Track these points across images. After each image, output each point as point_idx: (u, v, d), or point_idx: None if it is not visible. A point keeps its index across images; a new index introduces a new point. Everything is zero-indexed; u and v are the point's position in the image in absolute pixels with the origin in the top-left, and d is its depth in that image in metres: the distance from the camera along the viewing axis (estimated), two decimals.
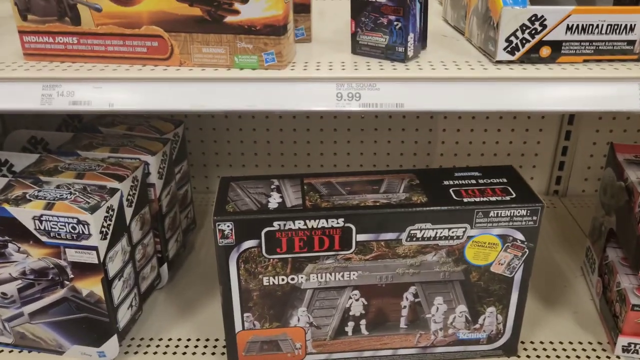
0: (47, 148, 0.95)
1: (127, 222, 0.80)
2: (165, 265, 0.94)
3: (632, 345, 0.81)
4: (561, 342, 0.85)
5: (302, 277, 0.73)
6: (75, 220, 0.71)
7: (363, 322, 0.78)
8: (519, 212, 0.72)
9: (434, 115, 1.18)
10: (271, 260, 0.72)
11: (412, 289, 0.76)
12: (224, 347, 0.84)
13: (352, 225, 0.70)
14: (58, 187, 0.77)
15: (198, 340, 0.86)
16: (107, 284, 0.75)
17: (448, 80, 0.62)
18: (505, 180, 0.77)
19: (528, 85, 0.63)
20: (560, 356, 0.82)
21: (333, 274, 0.74)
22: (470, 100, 0.62)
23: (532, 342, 0.85)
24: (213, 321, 0.88)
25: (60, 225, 0.72)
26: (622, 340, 0.81)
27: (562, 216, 1.18)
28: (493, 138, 1.20)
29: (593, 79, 0.62)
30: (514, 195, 0.73)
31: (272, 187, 0.76)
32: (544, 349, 0.84)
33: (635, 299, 0.79)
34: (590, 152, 1.20)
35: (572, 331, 0.87)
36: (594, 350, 0.83)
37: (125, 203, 0.79)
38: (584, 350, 0.83)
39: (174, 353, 0.83)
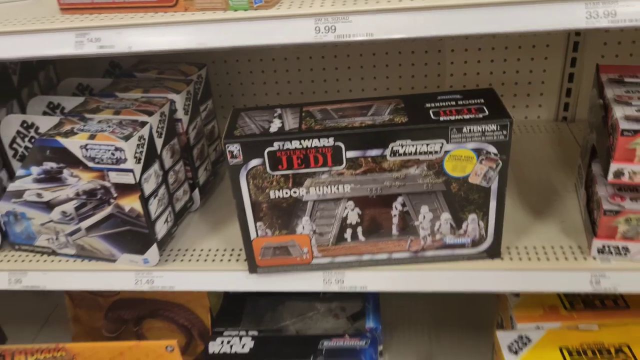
0: (92, 93, 1.10)
1: (158, 150, 0.95)
2: (197, 191, 1.09)
3: (606, 247, 0.89)
4: (544, 247, 0.94)
5: (302, 191, 0.86)
6: (113, 148, 0.86)
7: (359, 229, 0.90)
8: (489, 128, 0.81)
9: (441, 49, 1.25)
10: (275, 176, 0.84)
11: (399, 199, 0.87)
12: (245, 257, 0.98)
13: (341, 144, 0.82)
14: (99, 122, 0.92)
15: (225, 250, 1.01)
16: (144, 201, 0.91)
17: (417, 10, 0.71)
18: (482, 101, 0.85)
19: (491, 9, 0.71)
20: (541, 258, 0.92)
21: (329, 187, 0.86)
22: (436, 25, 0.71)
23: (516, 247, 0.95)
24: (237, 235, 1.02)
25: (102, 152, 0.87)
26: (597, 243, 0.89)
27: (567, 141, 1.25)
28: (500, 68, 1.27)
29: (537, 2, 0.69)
30: (487, 113, 0.82)
31: (275, 115, 0.88)
32: (527, 253, 0.93)
33: (608, 205, 0.87)
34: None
35: (556, 237, 0.96)
36: (572, 253, 0.92)
37: (155, 134, 0.93)
38: (563, 253, 0.93)
39: (205, 260, 0.99)
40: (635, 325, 1.01)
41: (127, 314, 1.23)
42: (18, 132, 0.97)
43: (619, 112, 0.84)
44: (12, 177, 1.03)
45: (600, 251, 0.90)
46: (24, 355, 1.06)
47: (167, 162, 0.98)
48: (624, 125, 0.81)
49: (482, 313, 1.46)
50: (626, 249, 0.88)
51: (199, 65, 1.10)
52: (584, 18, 0.70)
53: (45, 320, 1.54)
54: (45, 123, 0.95)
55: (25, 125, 0.96)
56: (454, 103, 0.85)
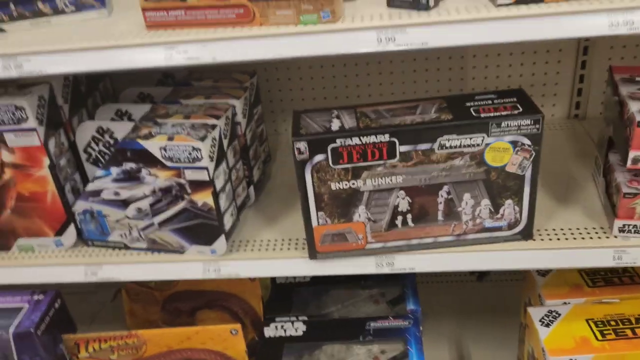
0: (152, 101, 1.20)
1: (225, 150, 1.05)
2: (252, 187, 1.19)
3: (626, 227, 1.00)
4: (570, 229, 1.06)
5: (360, 182, 0.97)
6: (191, 148, 0.97)
7: (409, 216, 1.01)
8: (524, 122, 0.92)
9: (464, 55, 1.38)
10: (336, 169, 0.95)
11: (445, 188, 0.98)
12: (303, 244, 1.09)
13: (395, 139, 0.93)
14: (173, 125, 1.02)
15: (283, 240, 1.11)
16: (216, 195, 1.01)
17: (460, 22, 0.83)
18: (515, 100, 0.97)
19: (522, 21, 0.83)
20: (569, 238, 1.03)
21: (383, 178, 0.97)
22: (476, 36, 0.82)
23: (545, 229, 1.06)
24: (292, 227, 1.13)
25: (180, 152, 0.97)
26: (618, 223, 1.01)
27: (580, 136, 1.37)
28: (517, 72, 1.39)
29: (572, 13, 0.81)
30: (521, 109, 0.94)
31: (332, 115, 0.99)
32: (555, 234, 1.05)
33: (627, 189, 0.98)
34: (604, 78, 1.37)
35: (580, 220, 1.08)
36: (596, 233, 1.04)
37: (222, 136, 1.04)
38: (588, 233, 1.04)
39: (266, 249, 1.09)
40: None
41: (184, 306, 1.33)
42: (93, 138, 1.07)
43: (634, 106, 0.96)
44: (84, 179, 1.13)
45: (621, 230, 1.01)
46: (97, 342, 1.16)
47: (231, 161, 1.09)
48: (639, 118, 0.93)
49: (506, 300, 1.58)
50: None
51: (251, 73, 1.21)
52: (606, 26, 0.82)
53: (91, 320, 1.64)
54: (119, 128, 1.05)
55: (100, 130, 1.06)
56: (490, 102, 0.97)
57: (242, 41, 0.86)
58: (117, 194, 1.06)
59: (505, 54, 1.37)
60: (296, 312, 1.28)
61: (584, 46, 1.35)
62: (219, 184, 1.02)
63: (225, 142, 1.05)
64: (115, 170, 1.04)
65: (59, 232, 1.12)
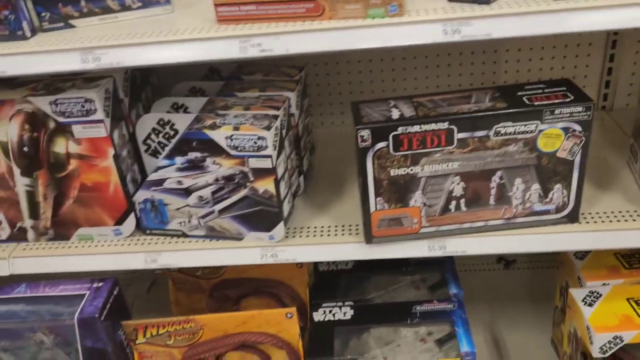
0: (204, 94, 1.24)
1: (284, 140, 1.10)
2: (302, 177, 1.24)
3: None
4: (612, 212, 1.11)
5: (418, 168, 1.02)
6: (256, 137, 1.01)
7: (462, 200, 1.06)
8: (576, 109, 0.97)
9: (497, 49, 1.43)
10: (396, 156, 1.00)
11: (498, 173, 1.03)
12: (356, 229, 1.13)
13: (454, 127, 0.98)
14: (236, 116, 1.07)
15: (336, 226, 1.15)
16: (277, 183, 1.06)
17: (521, 14, 0.87)
18: (564, 89, 1.02)
19: (566, 14, 0.87)
20: (612, 220, 1.09)
21: (440, 164, 1.01)
22: (533, 27, 0.87)
23: (589, 213, 1.11)
24: (343, 214, 1.18)
25: (245, 141, 1.02)
26: None
27: (609, 126, 1.42)
28: (548, 65, 1.44)
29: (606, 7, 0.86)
30: (572, 97, 0.99)
31: (390, 105, 1.04)
32: (599, 217, 1.10)
33: None
34: (632, 71, 1.43)
35: (620, 205, 1.13)
36: (638, 215, 1.09)
37: (282, 126, 1.08)
38: (630, 216, 1.09)
39: (321, 235, 1.13)
40: None
41: (232, 293, 1.37)
42: (153, 129, 1.11)
43: None
44: (142, 170, 1.17)
45: None
46: (156, 328, 1.20)
47: (287, 150, 1.13)
48: None
49: (534, 286, 1.64)
50: None
51: (299, 67, 1.25)
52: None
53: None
54: (180, 120, 1.09)
55: (161, 122, 1.10)
56: (540, 91, 1.02)
57: (312, 34, 0.90)
58: (180, 182, 1.10)
59: (537, 48, 1.42)
60: (340, 298, 1.33)
61: (613, 40, 1.41)
62: (280, 171, 1.06)
63: (284, 132, 1.10)
64: (179, 160, 1.08)
65: (119, 221, 1.16)
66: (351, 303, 1.29)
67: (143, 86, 1.26)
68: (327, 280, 1.39)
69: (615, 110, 1.49)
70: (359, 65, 1.46)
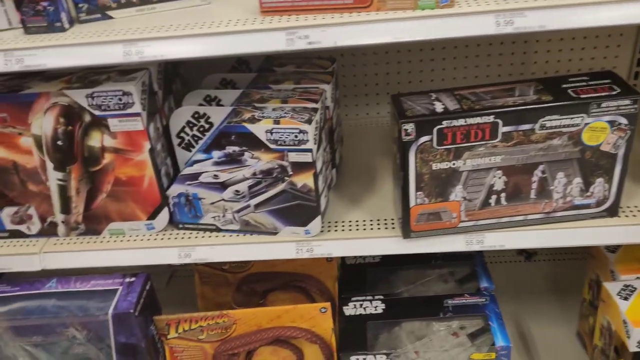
0: (235, 86, 1.22)
1: (322, 133, 1.08)
2: (335, 169, 1.22)
3: None
4: None
5: (460, 162, 1.00)
6: (297, 131, 0.99)
7: (503, 195, 1.05)
8: (623, 103, 0.96)
9: (528, 40, 1.41)
10: (439, 150, 0.99)
11: (541, 167, 1.02)
12: (392, 223, 1.12)
13: (499, 120, 0.97)
14: (274, 109, 1.05)
15: (371, 220, 1.14)
16: (316, 177, 1.04)
17: (570, 6, 0.86)
18: (609, 81, 1.01)
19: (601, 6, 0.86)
20: None
21: (483, 158, 1.00)
22: (593, 18, 0.86)
23: (628, 207, 1.11)
24: (378, 208, 1.17)
25: (286, 135, 1.00)
26: None
27: None
28: (578, 56, 1.43)
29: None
30: (618, 90, 0.98)
31: (432, 98, 1.02)
32: (638, 211, 1.10)
33: None
34: None
35: None
36: None
37: (320, 119, 1.06)
38: None
39: (356, 229, 1.12)
40: None
41: (260, 287, 1.36)
42: (188, 122, 1.09)
43: None
44: (174, 164, 1.15)
45: None
46: (188, 322, 1.19)
47: (324, 143, 1.11)
48: None
49: (557, 278, 1.63)
50: None
51: (331, 59, 1.24)
52: None
53: None
54: (216, 113, 1.07)
55: (196, 115, 1.08)
56: (585, 83, 1.01)
57: (360, 25, 0.89)
58: (216, 176, 1.08)
59: (567, 39, 1.41)
60: (369, 292, 1.32)
61: None
62: (318, 165, 1.05)
63: (322, 126, 1.08)
64: (216, 154, 1.06)
65: (152, 215, 1.14)
66: (382, 297, 1.28)
67: (173, 78, 1.24)
68: (355, 274, 1.38)
69: None
70: (397, 55, 1.44)
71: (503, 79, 1.45)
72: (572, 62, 1.44)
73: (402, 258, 1.30)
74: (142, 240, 1.16)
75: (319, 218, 1.09)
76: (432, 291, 1.35)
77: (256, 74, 1.22)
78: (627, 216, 1.09)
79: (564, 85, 1.01)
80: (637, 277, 1.20)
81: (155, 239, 1.15)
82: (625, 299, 1.15)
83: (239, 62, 1.33)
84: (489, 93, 1.02)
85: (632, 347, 1.10)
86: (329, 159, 1.18)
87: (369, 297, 1.28)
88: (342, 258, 1.41)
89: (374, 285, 1.36)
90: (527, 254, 1.74)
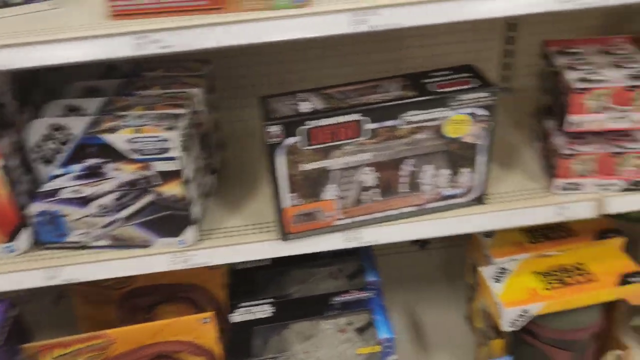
0: (101, 94, 1.15)
1: (191, 139, 1.04)
2: (214, 175, 1.19)
3: (566, 184, 1.11)
4: (515, 191, 1.15)
5: (330, 161, 1.00)
6: (160, 139, 0.95)
7: (376, 190, 1.05)
8: (482, 95, 1.00)
9: (399, 36, 1.44)
10: (308, 150, 0.98)
11: (409, 161, 1.04)
12: (271, 226, 1.10)
13: (364, 117, 0.97)
14: (138, 117, 1.00)
15: (251, 225, 1.12)
16: (185, 185, 1.00)
17: (428, 3, 0.87)
18: (470, 74, 1.04)
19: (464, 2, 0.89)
20: (518, 199, 1.13)
21: (352, 156, 1.01)
22: (440, 14, 0.88)
23: (493, 194, 1.15)
24: (257, 212, 1.15)
25: (149, 144, 0.95)
26: (557, 182, 1.11)
27: (511, 106, 1.47)
28: (451, 50, 1.47)
29: None
30: (477, 83, 1.01)
31: (299, 99, 1.01)
32: (505, 196, 1.14)
33: (565, 150, 1.09)
34: (529, 53, 1.48)
35: (523, 182, 1.17)
36: (538, 192, 1.14)
37: (189, 125, 1.03)
38: (532, 193, 1.14)
39: (234, 235, 1.10)
40: (584, 248, 1.26)
41: (143, 301, 1.30)
42: (45, 136, 1.02)
43: (570, 75, 1.07)
44: (33, 180, 1.07)
45: (562, 188, 1.12)
46: (62, 348, 1.11)
47: (196, 150, 1.08)
48: (576, 85, 1.04)
49: (449, 265, 1.69)
50: (580, 185, 1.11)
51: (205, 61, 1.20)
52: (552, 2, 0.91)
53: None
54: (75, 124, 1.01)
55: (54, 128, 1.01)
56: (447, 78, 1.04)
57: (216, 27, 0.86)
58: (78, 191, 1.01)
59: (440, 33, 1.44)
60: (260, 296, 1.30)
61: (512, 23, 1.46)
62: (188, 173, 1.01)
63: (190, 132, 1.04)
64: (76, 167, 1.00)
65: (11, 237, 1.06)
66: (271, 300, 1.26)
67: (33, 88, 1.15)
68: (246, 279, 1.35)
69: (515, 90, 1.55)
70: (268, 57, 1.42)
71: (381, 74, 1.47)
72: (446, 56, 1.48)
73: (293, 258, 1.28)
74: (2, 264, 1.07)
75: (192, 227, 1.05)
76: (322, 289, 1.35)
77: (123, 80, 1.16)
78: (494, 203, 1.13)
79: (427, 80, 1.03)
80: (511, 259, 1.26)
81: (16, 262, 1.07)
82: (498, 281, 1.20)
83: (111, 69, 1.26)
84: (356, 91, 1.03)
85: (505, 327, 1.15)
86: (205, 165, 1.14)
87: (258, 302, 1.26)
88: (232, 264, 1.38)
89: (265, 289, 1.34)
90: (421, 243, 1.78)
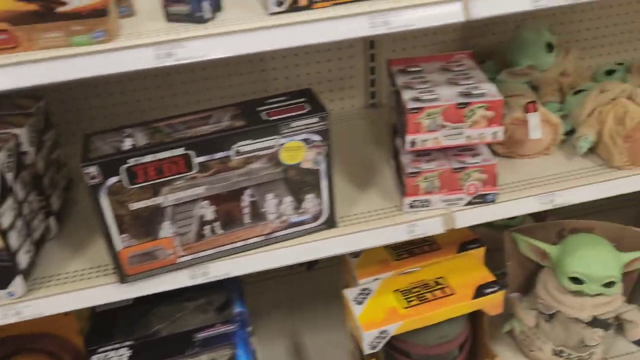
0: None
1: (10, 184, 0.97)
2: (52, 218, 1.12)
3: (414, 202, 1.11)
4: (369, 211, 1.14)
5: (161, 198, 0.96)
6: None
7: (217, 224, 1.02)
8: (312, 121, 0.98)
9: (263, 58, 1.42)
10: (133, 189, 0.93)
11: (248, 192, 1.01)
12: (113, 269, 1.05)
13: (190, 152, 0.93)
14: None
15: (91, 268, 1.06)
16: (3, 235, 0.93)
17: (236, 33, 0.85)
18: (304, 99, 1.02)
19: (295, 27, 0.88)
20: (369, 220, 1.11)
21: (184, 191, 0.97)
22: (255, 44, 0.86)
23: (348, 216, 1.14)
24: (101, 254, 1.08)
25: None
26: (407, 200, 1.11)
27: (377, 123, 1.48)
28: (315, 69, 1.46)
29: (336, 17, 0.88)
30: (310, 109, 0.99)
31: (124, 134, 0.96)
32: (358, 218, 1.13)
33: (410, 168, 1.09)
34: None
35: (379, 202, 1.16)
36: (392, 211, 1.14)
37: (5, 169, 0.96)
38: (385, 213, 1.13)
39: (73, 281, 1.03)
40: (446, 261, 1.27)
41: None
42: None
43: (406, 95, 1.07)
44: None
45: (410, 206, 1.12)
46: None
47: (20, 194, 1.01)
48: (410, 105, 1.04)
49: (336, 286, 1.67)
50: (428, 202, 1.12)
51: (37, 97, 1.13)
52: (367, 27, 0.91)
53: None
54: None
55: None
56: (281, 104, 1.02)
57: (8, 69, 0.80)
58: None
59: (301, 54, 1.43)
60: (121, 338, 1.23)
61: (371, 40, 1.46)
62: (6, 221, 0.94)
63: (10, 176, 0.98)
64: None
65: None
66: (130, 342, 1.20)
67: None
68: (106, 321, 1.28)
69: (382, 106, 1.56)
70: (98, 89, 1.36)
71: (245, 98, 1.44)
72: (311, 76, 1.47)
73: (159, 295, 1.23)
74: None
75: (19, 278, 0.98)
76: (190, 325, 1.29)
77: None
78: (346, 225, 1.11)
79: (260, 108, 1.01)
80: (375, 279, 1.25)
81: None
82: (360, 303, 1.19)
83: None
84: (185, 123, 0.99)
85: (367, 350, 1.14)
86: (38, 208, 1.08)
87: (116, 345, 1.20)
88: (92, 307, 1.31)
89: (127, 330, 1.27)
90: (309, 264, 1.76)
